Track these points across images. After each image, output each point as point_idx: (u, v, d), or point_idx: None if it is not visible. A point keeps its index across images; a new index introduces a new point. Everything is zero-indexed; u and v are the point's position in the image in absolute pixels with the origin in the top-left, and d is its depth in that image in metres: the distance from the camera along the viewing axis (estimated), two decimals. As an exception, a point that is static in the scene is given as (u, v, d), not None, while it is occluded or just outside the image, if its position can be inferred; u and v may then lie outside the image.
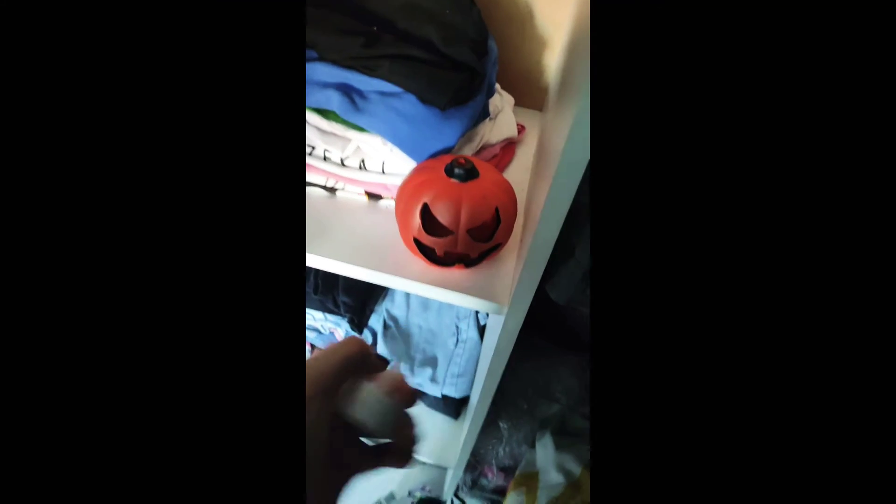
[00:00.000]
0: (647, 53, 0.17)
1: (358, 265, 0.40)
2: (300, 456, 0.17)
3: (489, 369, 0.47)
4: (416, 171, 0.39)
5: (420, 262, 0.40)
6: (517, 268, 0.38)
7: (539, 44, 0.60)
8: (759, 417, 0.16)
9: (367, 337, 0.88)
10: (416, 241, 0.38)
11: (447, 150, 0.42)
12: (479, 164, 0.38)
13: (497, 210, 0.36)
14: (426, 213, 0.36)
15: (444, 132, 0.42)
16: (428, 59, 0.42)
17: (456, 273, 0.40)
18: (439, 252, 0.38)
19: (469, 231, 0.36)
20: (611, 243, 0.18)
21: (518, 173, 0.54)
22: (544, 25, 0.58)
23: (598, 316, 0.18)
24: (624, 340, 0.17)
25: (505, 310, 0.39)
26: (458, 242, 0.37)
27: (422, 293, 0.40)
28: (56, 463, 0.15)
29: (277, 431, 0.16)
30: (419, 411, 0.87)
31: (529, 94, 0.65)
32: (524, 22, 0.59)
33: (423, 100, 0.41)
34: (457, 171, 0.36)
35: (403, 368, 0.84)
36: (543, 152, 0.42)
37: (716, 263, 0.16)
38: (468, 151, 0.47)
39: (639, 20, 0.16)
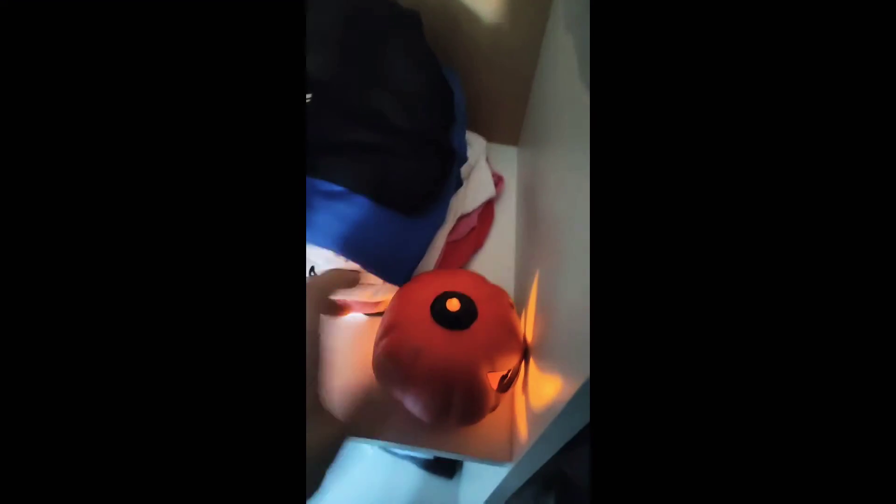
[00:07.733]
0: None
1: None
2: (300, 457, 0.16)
3: None
4: (394, 310, 0.29)
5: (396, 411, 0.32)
6: (523, 419, 0.30)
7: (508, 74, 0.51)
8: None
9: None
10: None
11: (419, 257, 0.33)
12: (479, 299, 0.29)
13: (503, 375, 0.28)
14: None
15: (411, 240, 0.33)
16: (381, 145, 0.32)
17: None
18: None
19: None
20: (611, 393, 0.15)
21: (501, 241, 0.45)
22: (513, 52, 0.49)
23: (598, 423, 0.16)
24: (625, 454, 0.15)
25: (507, 466, 0.31)
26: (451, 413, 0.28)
27: (405, 446, 0.32)
28: (52, 465, 0.14)
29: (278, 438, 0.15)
30: (412, 473, 0.80)
31: (502, 129, 0.56)
32: (490, 51, 0.49)
33: (380, 202, 0.32)
34: (447, 317, 0.27)
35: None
36: (537, 219, 0.33)
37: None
38: (440, 241, 0.38)
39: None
